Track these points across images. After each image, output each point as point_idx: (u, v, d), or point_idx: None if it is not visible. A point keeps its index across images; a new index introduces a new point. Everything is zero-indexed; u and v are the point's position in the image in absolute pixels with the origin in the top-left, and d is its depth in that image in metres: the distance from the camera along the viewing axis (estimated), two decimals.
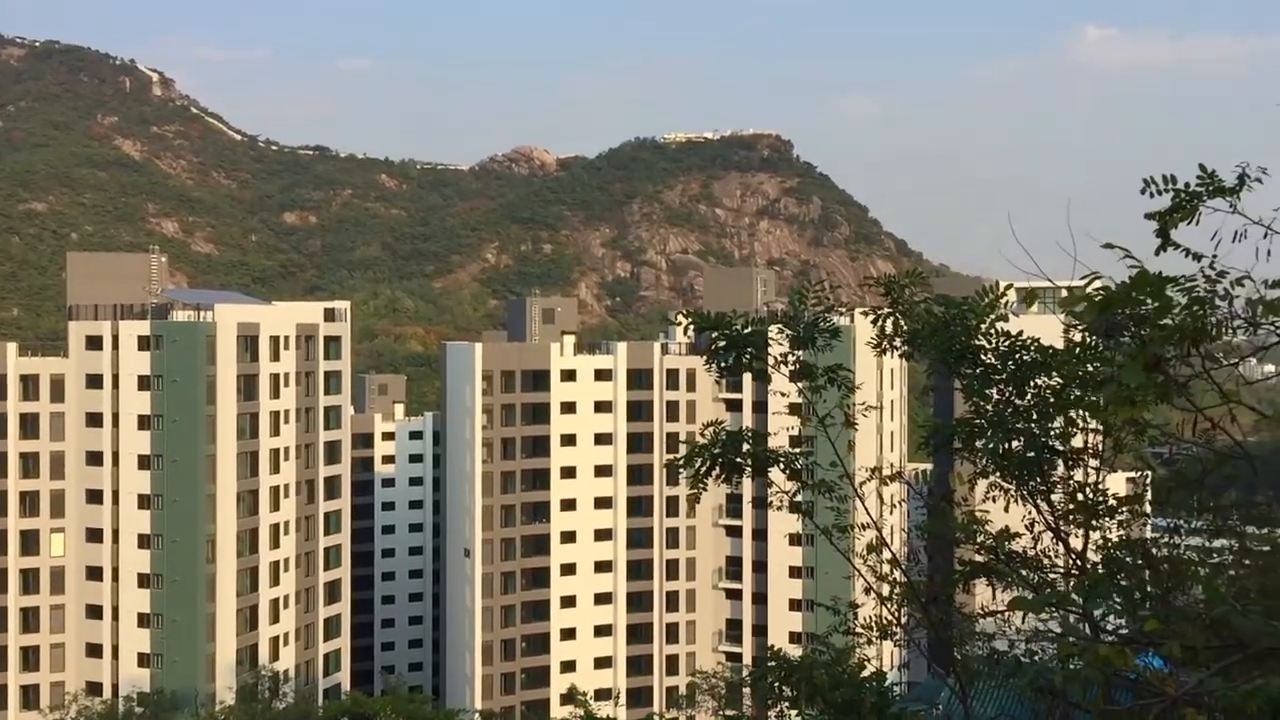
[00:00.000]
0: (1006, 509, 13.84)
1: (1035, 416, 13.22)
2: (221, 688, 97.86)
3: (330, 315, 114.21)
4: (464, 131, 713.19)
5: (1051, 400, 13.10)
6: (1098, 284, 7.53)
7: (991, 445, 13.18)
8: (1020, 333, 13.38)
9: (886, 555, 14.89)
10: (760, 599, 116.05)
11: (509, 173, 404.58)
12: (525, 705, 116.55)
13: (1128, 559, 12.79)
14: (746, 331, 14.03)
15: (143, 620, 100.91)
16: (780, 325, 14.43)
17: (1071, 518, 13.46)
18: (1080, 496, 13.46)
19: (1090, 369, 12.37)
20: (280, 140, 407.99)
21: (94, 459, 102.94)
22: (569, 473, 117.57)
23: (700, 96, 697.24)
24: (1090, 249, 8.52)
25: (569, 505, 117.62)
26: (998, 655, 14.08)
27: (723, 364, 14.30)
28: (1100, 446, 13.61)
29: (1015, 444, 13.19)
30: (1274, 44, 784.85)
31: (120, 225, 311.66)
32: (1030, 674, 8.10)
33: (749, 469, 14.13)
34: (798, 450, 14.50)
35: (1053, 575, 13.67)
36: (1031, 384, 13.23)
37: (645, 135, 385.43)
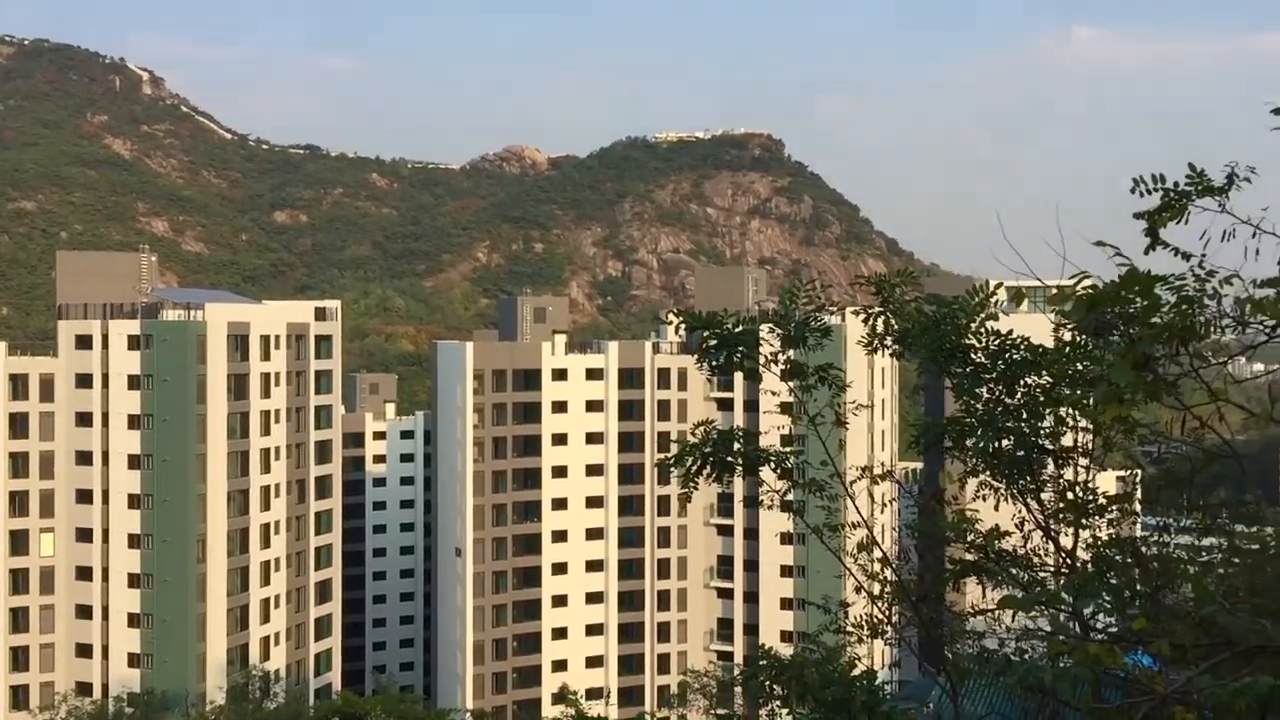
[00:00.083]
0: (997, 507, 13.87)
1: (1025, 415, 13.25)
2: (212, 688, 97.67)
3: (321, 314, 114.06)
4: (455, 131, 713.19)
5: (1041, 399, 13.13)
6: (1087, 284, 7.55)
7: (982, 444, 13.21)
8: (1010, 332, 13.42)
9: (877, 554, 14.92)
10: (751, 598, 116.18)
11: (500, 172, 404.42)
12: (517, 705, 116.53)
13: (1117, 557, 12.83)
14: (738, 330, 14.04)
15: (133, 620, 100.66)
16: (771, 324, 14.44)
17: (1061, 516, 13.49)
18: (1070, 495, 13.49)
19: (1080, 368, 12.40)
20: (271, 139, 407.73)
21: (84, 458, 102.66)
22: (560, 472, 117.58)
23: (691, 96, 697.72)
24: (1080, 249, 8.55)
25: (560, 504, 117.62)
26: (988, 654, 14.11)
27: (714, 363, 14.31)
28: (1090, 445, 13.65)
29: (1005, 443, 13.22)
30: (1263, 43, 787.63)
31: (110, 224, 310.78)
32: (1020, 672, 8.12)
33: (740, 468, 14.14)
34: (789, 449, 14.51)
35: (1043, 574, 13.71)
36: (1021, 383, 13.27)
37: (636, 134, 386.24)
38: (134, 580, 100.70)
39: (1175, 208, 8.27)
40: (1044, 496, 13.55)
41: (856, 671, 14.51)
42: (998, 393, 13.38)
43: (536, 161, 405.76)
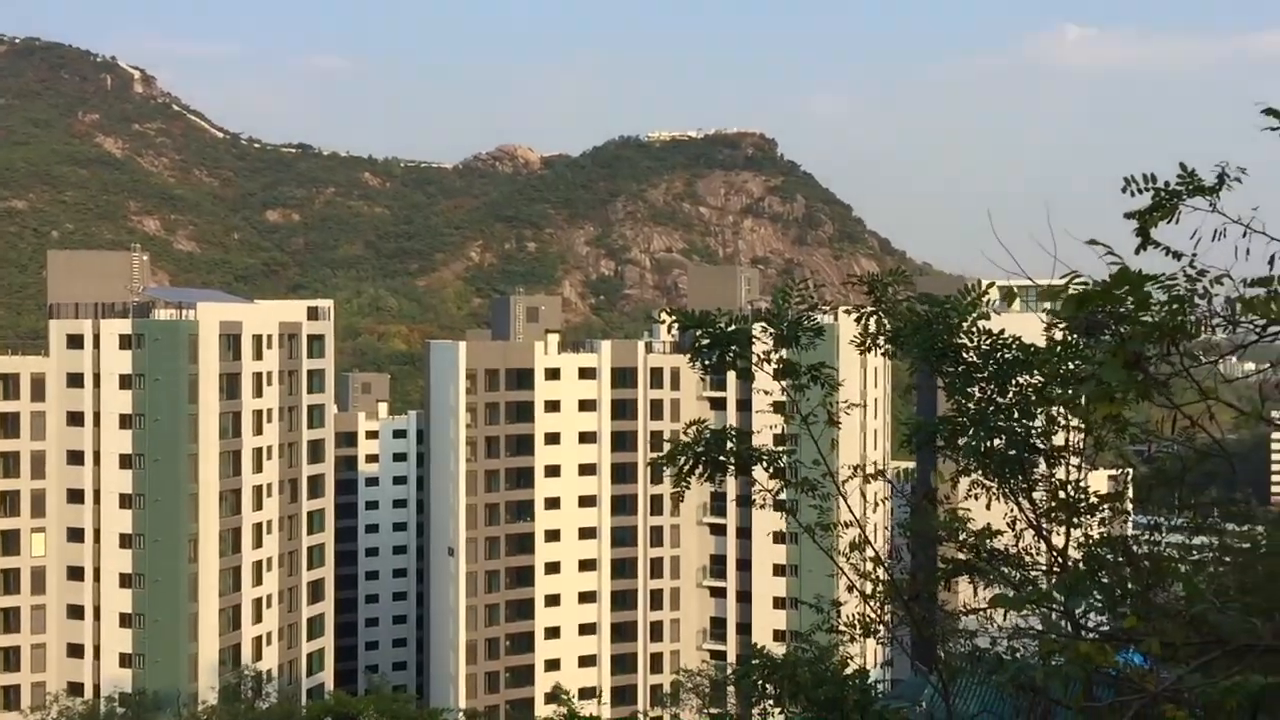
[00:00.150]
0: (988, 507, 13.89)
1: (1017, 414, 13.28)
2: (204, 688, 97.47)
3: (313, 314, 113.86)
4: (448, 130, 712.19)
5: (1033, 398, 13.16)
6: (1078, 283, 7.56)
7: (974, 443, 13.23)
8: (1002, 331, 13.44)
9: (869, 553, 14.94)
10: (744, 597, 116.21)
11: (493, 171, 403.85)
12: (509, 704, 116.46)
13: (1109, 556, 12.86)
14: (730, 330, 14.06)
15: (124, 620, 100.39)
16: (764, 323, 14.45)
17: (1053, 515, 13.52)
18: (1062, 494, 13.52)
19: (1071, 367, 12.43)
20: (263, 138, 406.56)
21: (75, 458, 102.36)
22: (553, 471, 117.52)
23: (684, 95, 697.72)
24: (1071, 248, 8.57)
25: (553, 504, 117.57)
26: (980, 652, 14.13)
27: (707, 362, 14.33)
28: (1081, 444, 13.68)
29: (997, 442, 13.25)
30: (1252, 43, 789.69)
31: (101, 223, 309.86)
32: (1012, 671, 8.13)
33: (732, 467, 14.15)
34: (781, 448, 14.53)
35: (1034, 573, 13.74)
36: (1013, 382, 13.30)
37: (629, 133, 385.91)
38: (125, 580, 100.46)
39: (1166, 207, 8.29)
40: (1036, 495, 13.58)
41: (849, 670, 14.52)
42: (989, 392, 13.41)
43: (529, 161, 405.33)
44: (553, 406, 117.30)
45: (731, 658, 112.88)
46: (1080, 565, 12.75)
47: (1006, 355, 13.24)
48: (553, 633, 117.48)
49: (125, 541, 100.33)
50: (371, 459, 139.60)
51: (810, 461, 14.39)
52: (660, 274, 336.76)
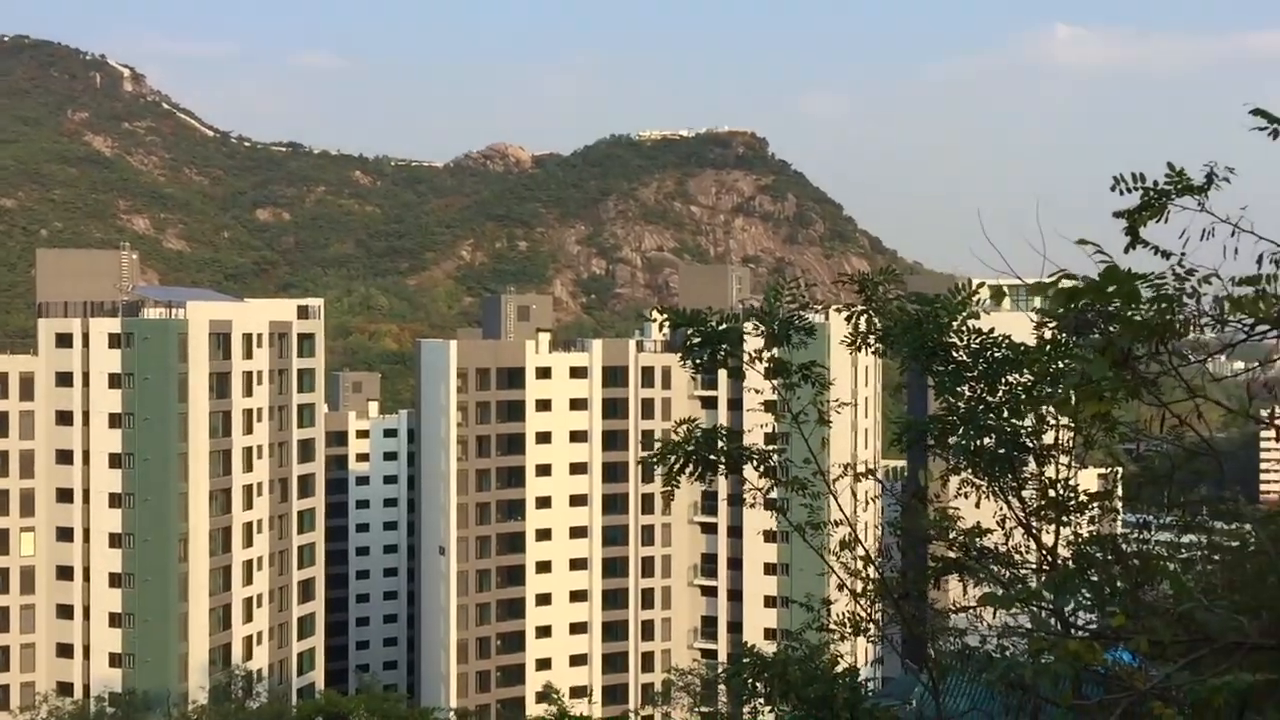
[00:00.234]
0: (978, 505, 13.92)
1: (1007, 413, 13.30)
2: (194, 687, 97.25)
3: (304, 313, 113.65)
4: (438, 128, 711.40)
5: (1023, 397, 13.19)
6: (1067, 278, 7.58)
7: (964, 442, 13.26)
8: (992, 330, 13.47)
9: (859, 552, 14.97)
10: (735, 596, 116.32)
11: (484, 170, 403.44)
12: (500, 703, 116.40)
13: (1098, 555, 12.88)
14: (721, 328, 14.07)
15: (114, 620, 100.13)
16: (755, 322, 14.46)
17: (1042, 514, 13.55)
18: (1051, 492, 13.55)
19: (1061, 366, 12.45)
20: (253, 136, 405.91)
21: (64, 457, 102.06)
22: (544, 470, 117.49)
23: (675, 94, 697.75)
24: (1062, 248, 8.59)
25: (544, 503, 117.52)
26: (970, 650, 14.17)
27: (698, 361, 14.33)
28: (1071, 443, 13.71)
29: (987, 440, 13.27)
30: (1242, 43, 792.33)
31: (91, 222, 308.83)
32: (1001, 669, 8.16)
33: (723, 466, 14.15)
34: (772, 447, 14.54)
35: (1024, 571, 13.77)
36: (1003, 381, 13.32)
37: (620, 132, 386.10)
38: (115, 580, 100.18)
39: (1155, 206, 8.31)
40: (1025, 494, 13.61)
41: (839, 669, 14.55)
42: (979, 391, 13.44)
43: (520, 159, 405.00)
44: (544, 405, 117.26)
45: (722, 656, 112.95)
46: (1069, 563, 12.78)
47: (996, 354, 13.27)
48: (544, 632, 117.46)
49: (115, 541, 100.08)
50: (362, 458, 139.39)
51: (801, 460, 14.41)
52: (651, 273, 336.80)
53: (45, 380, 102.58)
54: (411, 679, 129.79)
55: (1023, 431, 13.35)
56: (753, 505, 15.06)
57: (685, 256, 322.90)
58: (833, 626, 16.22)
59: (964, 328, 13.48)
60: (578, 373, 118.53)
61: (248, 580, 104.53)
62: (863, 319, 14.03)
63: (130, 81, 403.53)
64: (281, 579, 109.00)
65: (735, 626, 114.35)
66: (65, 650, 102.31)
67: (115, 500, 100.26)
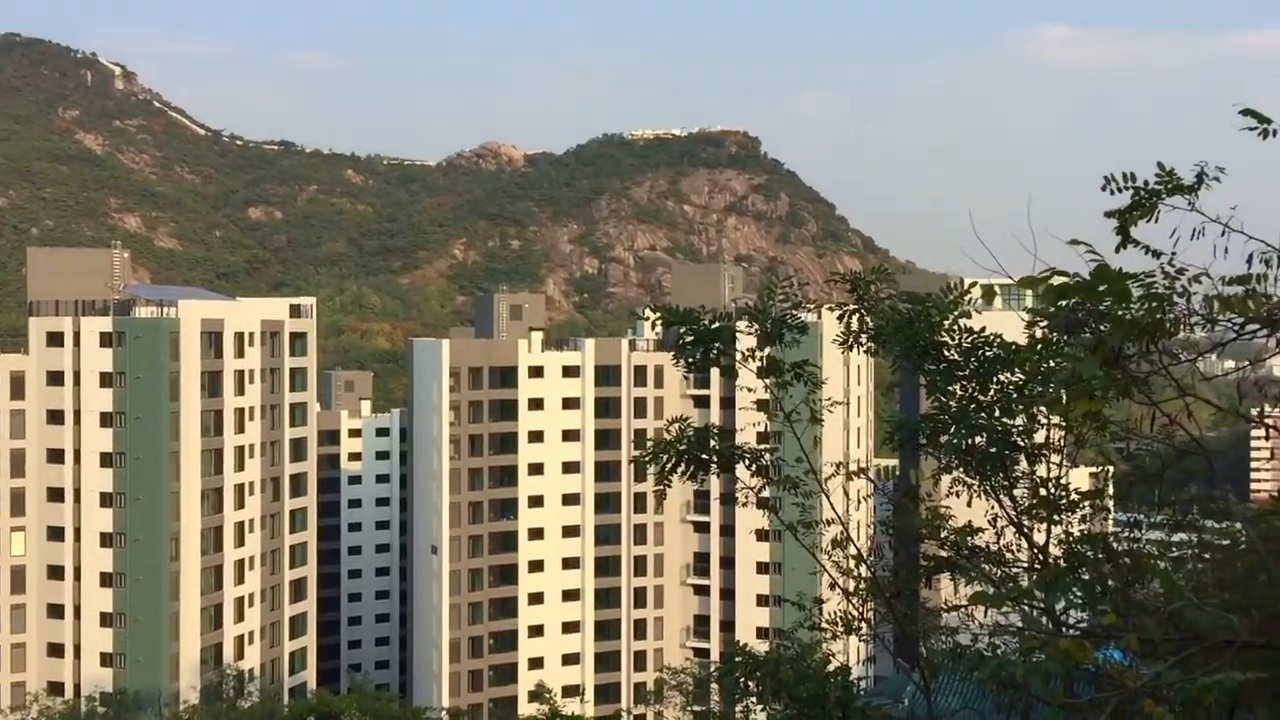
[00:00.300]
0: (970, 504, 13.95)
1: (998, 412, 13.33)
2: (185, 687, 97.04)
3: (296, 311, 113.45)
4: (431, 127, 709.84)
5: (1014, 396, 13.21)
6: (1057, 279, 7.60)
7: (955, 441, 13.28)
8: (983, 329, 13.49)
9: (851, 550, 14.99)
10: (728, 594, 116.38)
11: (476, 169, 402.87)
12: (493, 703, 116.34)
13: (1089, 553, 12.92)
14: (714, 327, 14.08)
15: (105, 619, 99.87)
16: (748, 321, 14.47)
17: (1034, 512, 13.58)
18: (1042, 491, 13.58)
19: (1052, 365, 12.48)
20: (245, 135, 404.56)
21: (55, 456, 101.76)
22: (537, 469, 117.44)
23: (667, 94, 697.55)
24: (1053, 248, 8.60)
25: (537, 502, 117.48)
26: (961, 649, 14.19)
27: (690, 360, 14.35)
28: (1062, 442, 13.75)
29: (978, 439, 13.30)
30: (1234, 43, 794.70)
31: (82, 220, 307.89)
32: (993, 667, 8.18)
33: (715, 465, 14.17)
34: (764, 446, 14.56)
35: (1015, 570, 13.80)
36: (994, 380, 13.35)
37: (613, 131, 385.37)
38: (106, 579, 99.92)
39: (1146, 206, 8.34)
40: (1017, 493, 13.64)
41: (831, 667, 14.58)
42: (971, 390, 13.46)
43: (513, 158, 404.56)
44: (536, 404, 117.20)
45: (715, 655, 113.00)
46: (1061, 562, 12.81)
47: (988, 353, 13.30)
48: (536, 631, 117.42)
49: (106, 540, 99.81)
50: (354, 457, 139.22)
51: (793, 459, 14.43)
52: (644, 272, 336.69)
53: (36, 379, 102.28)
54: (404, 678, 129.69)
55: (1014, 430, 13.38)
56: (745, 504, 15.08)
57: (678, 256, 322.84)
58: (825, 625, 16.24)
59: (955, 327, 13.51)
60: (570, 372, 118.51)
61: (239, 580, 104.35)
62: (855, 318, 14.06)
63: (121, 80, 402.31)
64: (273, 578, 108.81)
65: (728, 625, 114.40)
66: (56, 650, 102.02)
67: (106, 499, 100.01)
